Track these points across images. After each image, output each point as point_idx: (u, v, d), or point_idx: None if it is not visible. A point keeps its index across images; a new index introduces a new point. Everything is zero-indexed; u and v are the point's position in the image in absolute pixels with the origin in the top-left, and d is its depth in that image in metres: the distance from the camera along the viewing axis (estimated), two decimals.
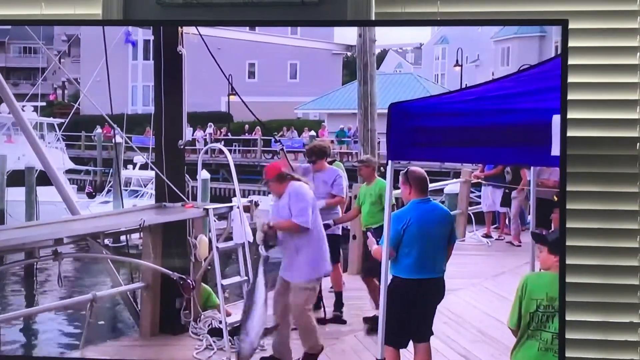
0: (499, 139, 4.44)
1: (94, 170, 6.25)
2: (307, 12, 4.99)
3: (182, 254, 5.71)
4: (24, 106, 5.76)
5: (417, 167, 4.88)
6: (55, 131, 6.15)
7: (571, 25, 4.41)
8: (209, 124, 6.09)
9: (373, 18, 4.97)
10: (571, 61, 4.48)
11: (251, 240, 5.56)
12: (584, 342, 4.90)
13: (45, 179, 5.82)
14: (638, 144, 4.91)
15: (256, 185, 6.32)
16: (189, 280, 5.61)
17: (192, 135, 5.98)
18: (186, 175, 5.84)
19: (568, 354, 4.41)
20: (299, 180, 5.34)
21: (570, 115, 4.47)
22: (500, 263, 4.69)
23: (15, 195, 5.96)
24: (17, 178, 6.01)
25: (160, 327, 5.73)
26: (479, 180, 5.85)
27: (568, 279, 4.42)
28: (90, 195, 6.21)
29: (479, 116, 4.48)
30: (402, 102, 4.60)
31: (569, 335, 4.47)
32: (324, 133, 6.17)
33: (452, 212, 6.04)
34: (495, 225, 5.97)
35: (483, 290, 5.67)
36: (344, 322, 5.84)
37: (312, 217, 5.22)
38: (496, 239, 5.88)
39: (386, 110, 4.59)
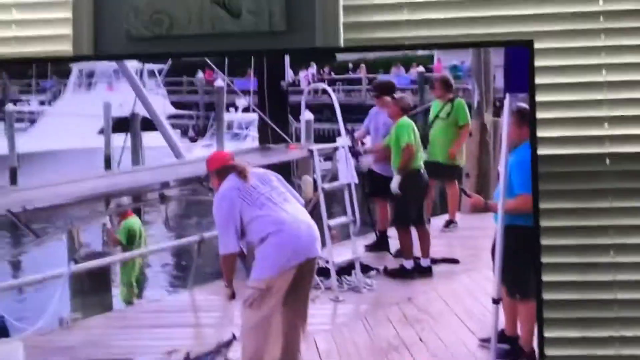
0: None
1: (196, 115, 6.28)
2: (276, 40, 5.01)
3: None
4: None
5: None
6: (156, 77, 6.20)
7: (536, 46, 4.40)
8: (311, 63, 5.99)
9: (342, 44, 5.00)
10: (538, 80, 4.51)
11: (356, 182, 5.61)
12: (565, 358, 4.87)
13: (148, 125, 5.90)
14: (607, 159, 4.84)
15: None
16: None
17: (295, 76, 5.90)
18: (289, 116, 5.77)
19: None
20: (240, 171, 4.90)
21: (540, 134, 4.53)
22: None
23: (120, 141, 6.04)
24: (120, 125, 6.10)
25: None
26: None
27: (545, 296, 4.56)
28: (193, 140, 6.23)
29: None
30: None
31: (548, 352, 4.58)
32: (440, 67, 6.00)
33: None
34: None
35: None
36: (457, 262, 5.77)
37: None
38: None
39: None
